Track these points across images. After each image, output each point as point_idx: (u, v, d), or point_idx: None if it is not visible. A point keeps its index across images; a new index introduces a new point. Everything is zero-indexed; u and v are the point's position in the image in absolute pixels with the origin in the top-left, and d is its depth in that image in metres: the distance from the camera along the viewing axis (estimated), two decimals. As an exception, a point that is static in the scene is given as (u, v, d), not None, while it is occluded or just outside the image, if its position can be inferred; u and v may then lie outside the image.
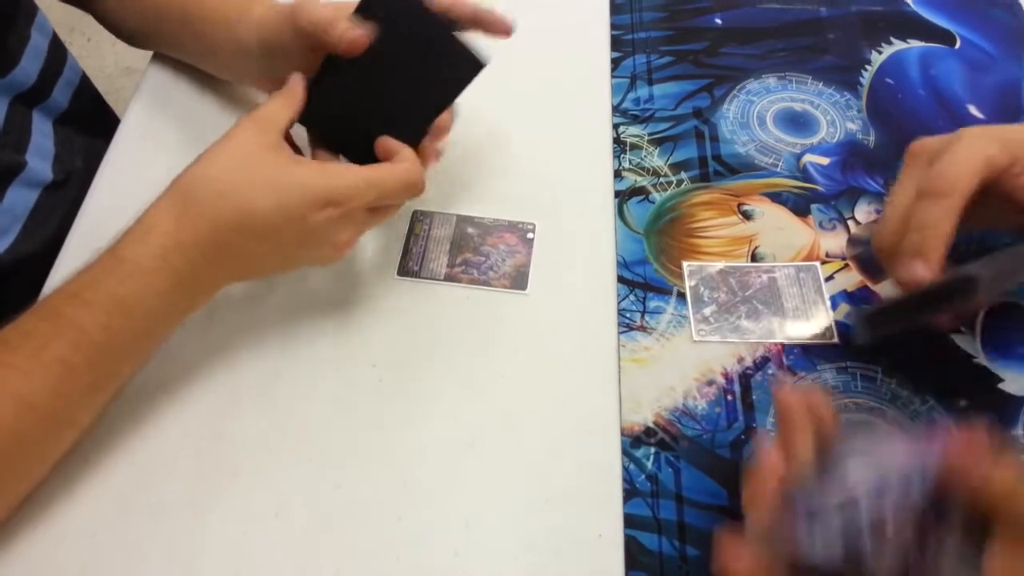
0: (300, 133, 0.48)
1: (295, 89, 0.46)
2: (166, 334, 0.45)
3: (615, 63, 0.64)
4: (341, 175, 0.44)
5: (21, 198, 0.60)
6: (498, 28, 0.48)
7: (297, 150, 0.46)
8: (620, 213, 0.55)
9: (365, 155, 0.47)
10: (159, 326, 0.44)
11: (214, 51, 0.57)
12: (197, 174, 0.43)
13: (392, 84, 0.47)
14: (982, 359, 0.47)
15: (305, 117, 0.47)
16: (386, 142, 0.47)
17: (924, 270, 0.40)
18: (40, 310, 0.42)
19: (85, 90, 0.69)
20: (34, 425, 0.40)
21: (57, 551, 0.42)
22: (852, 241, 0.53)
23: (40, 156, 0.61)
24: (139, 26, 0.62)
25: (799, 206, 0.55)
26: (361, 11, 0.45)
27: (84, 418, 0.43)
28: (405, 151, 0.47)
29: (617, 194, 0.56)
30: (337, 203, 0.43)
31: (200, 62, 0.62)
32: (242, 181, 0.42)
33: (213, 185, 0.42)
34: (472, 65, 0.46)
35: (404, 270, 0.53)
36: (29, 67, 0.60)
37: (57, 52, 0.64)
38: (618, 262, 0.52)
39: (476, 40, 0.47)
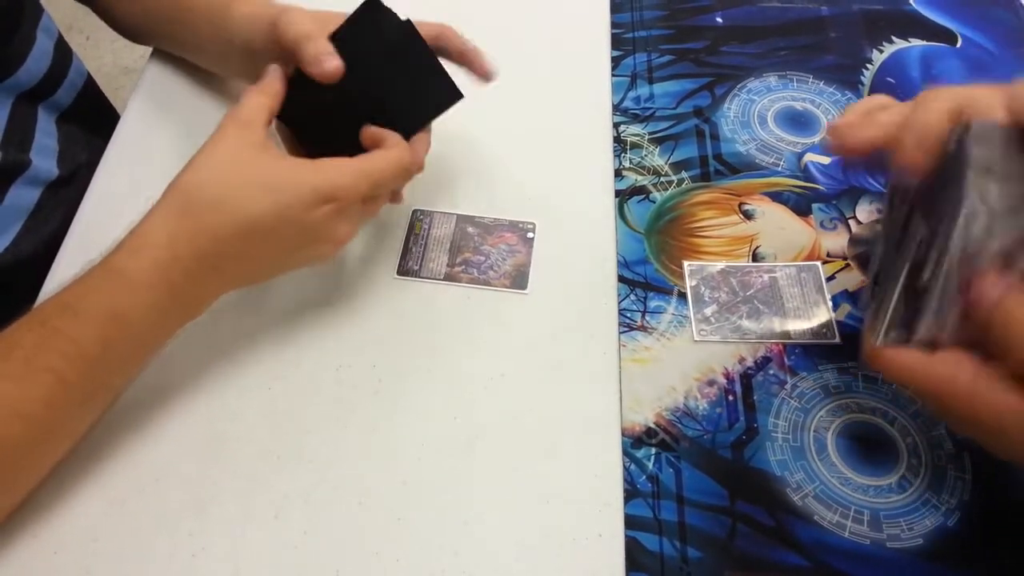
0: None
1: (273, 83, 0.45)
2: (161, 345, 0.44)
3: (615, 61, 0.64)
4: (334, 169, 0.43)
5: (23, 196, 0.59)
6: (480, 71, 0.49)
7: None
8: (620, 212, 0.55)
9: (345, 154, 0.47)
10: (154, 338, 0.43)
11: (203, 46, 0.58)
12: (189, 181, 0.42)
13: (370, 99, 0.46)
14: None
15: (284, 116, 0.46)
16: (372, 131, 0.46)
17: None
18: (31, 320, 0.41)
19: (89, 90, 0.69)
20: (25, 434, 0.40)
21: (57, 556, 0.42)
22: (853, 241, 0.53)
23: (44, 154, 0.61)
24: (136, 21, 0.62)
25: (800, 205, 0.55)
26: (342, 34, 0.45)
27: (77, 428, 0.43)
28: (392, 137, 0.46)
29: (617, 193, 0.56)
30: (333, 198, 0.43)
31: (193, 57, 0.62)
32: (236, 185, 0.41)
33: (207, 192, 0.41)
34: (449, 95, 0.46)
35: (404, 270, 0.53)
36: (34, 68, 0.60)
37: (63, 54, 0.64)
38: (619, 262, 0.52)
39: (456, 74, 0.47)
